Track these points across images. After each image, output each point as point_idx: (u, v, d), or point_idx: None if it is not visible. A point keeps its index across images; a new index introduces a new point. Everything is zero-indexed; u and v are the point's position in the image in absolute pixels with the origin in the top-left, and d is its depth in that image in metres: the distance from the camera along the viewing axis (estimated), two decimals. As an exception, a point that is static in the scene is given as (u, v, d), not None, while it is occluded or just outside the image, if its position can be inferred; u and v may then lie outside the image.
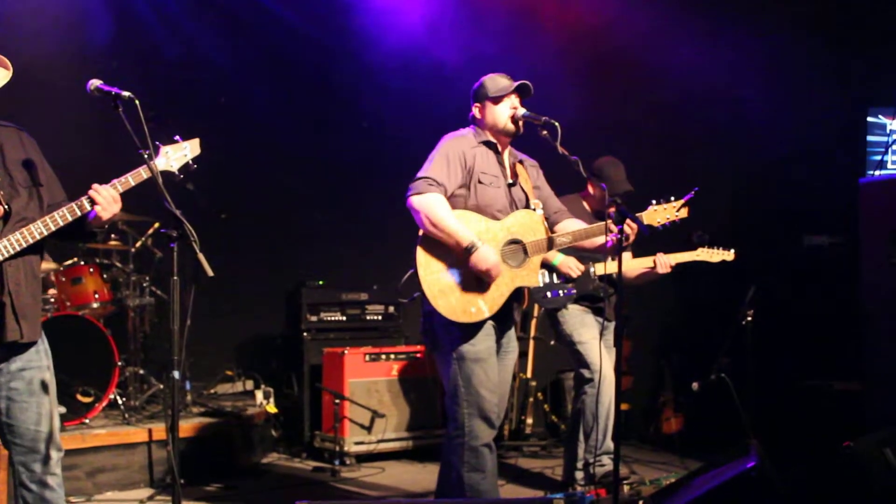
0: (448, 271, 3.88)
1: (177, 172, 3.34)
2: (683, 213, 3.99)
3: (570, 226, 4.18)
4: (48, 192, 3.28)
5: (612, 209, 3.74)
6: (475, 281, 3.87)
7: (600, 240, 4.02)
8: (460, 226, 3.84)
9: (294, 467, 6.11)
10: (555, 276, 5.07)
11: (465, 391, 3.90)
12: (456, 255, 3.86)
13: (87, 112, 5.15)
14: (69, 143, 5.32)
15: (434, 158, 3.97)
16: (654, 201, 3.98)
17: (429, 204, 3.85)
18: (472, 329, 3.89)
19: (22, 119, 3.33)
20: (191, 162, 3.38)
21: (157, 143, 3.28)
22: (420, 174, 3.93)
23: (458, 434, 3.92)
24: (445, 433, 4.04)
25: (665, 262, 5.13)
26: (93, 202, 3.15)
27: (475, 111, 4.13)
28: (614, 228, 3.68)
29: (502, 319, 4.01)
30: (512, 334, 4.14)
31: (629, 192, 5.03)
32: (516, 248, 4.00)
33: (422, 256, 3.88)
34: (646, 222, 3.93)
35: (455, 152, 3.97)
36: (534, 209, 4.08)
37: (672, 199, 3.96)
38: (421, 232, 3.91)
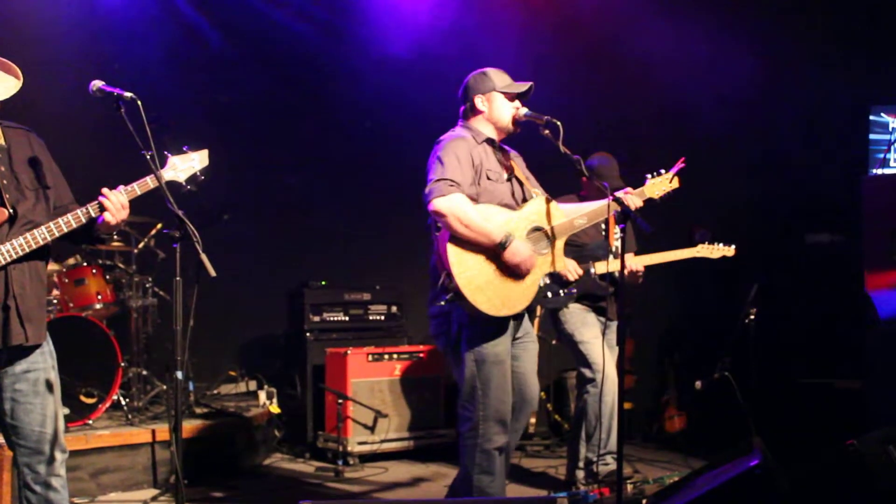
0: (483, 267, 3.83)
1: (184, 183, 3.34)
2: (675, 183, 4.30)
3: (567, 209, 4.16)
4: (55, 195, 3.28)
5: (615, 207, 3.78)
6: (510, 273, 3.85)
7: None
8: (488, 222, 3.82)
9: (297, 468, 6.11)
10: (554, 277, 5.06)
11: (483, 394, 3.87)
12: (487, 250, 3.82)
13: (92, 113, 5.15)
14: (75, 144, 5.32)
15: (446, 160, 3.87)
16: (648, 175, 4.27)
17: (455, 205, 3.78)
18: (493, 330, 3.87)
19: (28, 121, 3.34)
20: (198, 173, 3.37)
21: (166, 153, 3.29)
22: (436, 177, 3.83)
23: (471, 436, 3.91)
24: (459, 433, 4.01)
25: (637, 265, 5.09)
26: (102, 208, 3.15)
27: (478, 102, 4.04)
28: (616, 228, 3.71)
29: (521, 314, 4.01)
30: (527, 324, 4.11)
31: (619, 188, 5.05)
32: (539, 235, 3.99)
33: (454, 256, 3.81)
34: (646, 195, 4.21)
35: (464, 152, 3.91)
36: (535, 196, 4.06)
37: (662, 171, 4.28)
38: (439, 231, 3.88)
